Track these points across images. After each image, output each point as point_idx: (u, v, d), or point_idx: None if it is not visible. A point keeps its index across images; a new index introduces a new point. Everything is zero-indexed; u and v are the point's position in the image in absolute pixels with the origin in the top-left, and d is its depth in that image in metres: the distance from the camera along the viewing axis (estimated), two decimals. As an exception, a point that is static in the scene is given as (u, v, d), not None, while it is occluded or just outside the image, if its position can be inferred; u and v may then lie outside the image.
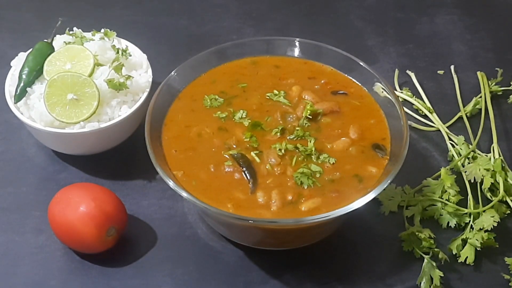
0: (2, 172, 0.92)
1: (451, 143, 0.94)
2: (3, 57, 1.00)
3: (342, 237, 0.84)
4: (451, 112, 0.99)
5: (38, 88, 0.88)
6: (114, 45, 0.92)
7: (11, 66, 0.93)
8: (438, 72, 1.06)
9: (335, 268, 0.82)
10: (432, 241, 0.81)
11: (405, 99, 1.00)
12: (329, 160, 0.78)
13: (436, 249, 0.80)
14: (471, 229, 0.82)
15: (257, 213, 0.74)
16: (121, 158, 0.93)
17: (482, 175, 0.86)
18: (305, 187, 0.76)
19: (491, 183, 0.86)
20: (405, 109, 0.94)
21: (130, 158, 0.93)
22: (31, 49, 0.92)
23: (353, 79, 0.88)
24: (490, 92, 1.00)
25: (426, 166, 0.91)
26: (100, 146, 0.91)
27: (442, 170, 0.86)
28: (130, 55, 0.91)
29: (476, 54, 1.09)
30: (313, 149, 0.79)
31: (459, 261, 0.81)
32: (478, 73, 1.03)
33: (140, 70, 0.92)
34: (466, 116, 0.97)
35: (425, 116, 0.98)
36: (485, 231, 0.82)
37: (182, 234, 0.85)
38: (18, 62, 0.92)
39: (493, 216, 0.82)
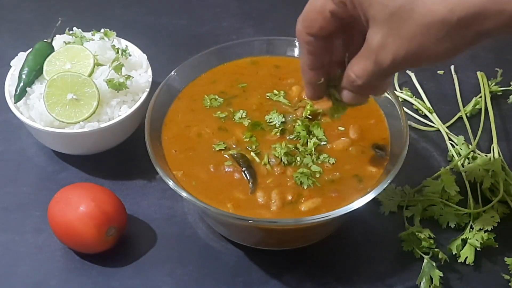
0: (2, 172, 0.92)
1: (451, 143, 0.94)
2: (3, 57, 1.00)
3: (342, 237, 0.84)
4: (451, 112, 0.99)
5: (38, 88, 0.88)
6: (114, 45, 0.92)
7: (10, 66, 0.93)
8: (438, 72, 1.06)
9: (335, 268, 0.82)
10: (432, 241, 0.81)
11: (405, 99, 1.00)
12: (329, 160, 0.78)
13: (436, 249, 0.80)
14: (471, 229, 0.82)
15: (257, 213, 0.74)
16: (121, 158, 0.93)
17: (482, 175, 0.86)
18: (305, 187, 0.76)
19: (491, 183, 0.86)
20: (405, 109, 0.94)
21: (130, 158, 0.93)
22: (31, 49, 0.92)
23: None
24: (490, 92, 1.00)
25: (426, 166, 0.91)
26: (100, 146, 0.91)
27: (442, 170, 0.86)
28: (130, 55, 0.91)
29: (476, 54, 1.09)
30: (313, 149, 0.79)
31: (459, 261, 0.81)
32: (478, 73, 1.03)
33: (140, 70, 0.92)
34: (466, 116, 0.97)
35: (425, 116, 0.98)
36: (485, 231, 0.82)
37: (182, 234, 0.85)
38: (18, 62, 0.92)
39: (493, 216, 0.82)
